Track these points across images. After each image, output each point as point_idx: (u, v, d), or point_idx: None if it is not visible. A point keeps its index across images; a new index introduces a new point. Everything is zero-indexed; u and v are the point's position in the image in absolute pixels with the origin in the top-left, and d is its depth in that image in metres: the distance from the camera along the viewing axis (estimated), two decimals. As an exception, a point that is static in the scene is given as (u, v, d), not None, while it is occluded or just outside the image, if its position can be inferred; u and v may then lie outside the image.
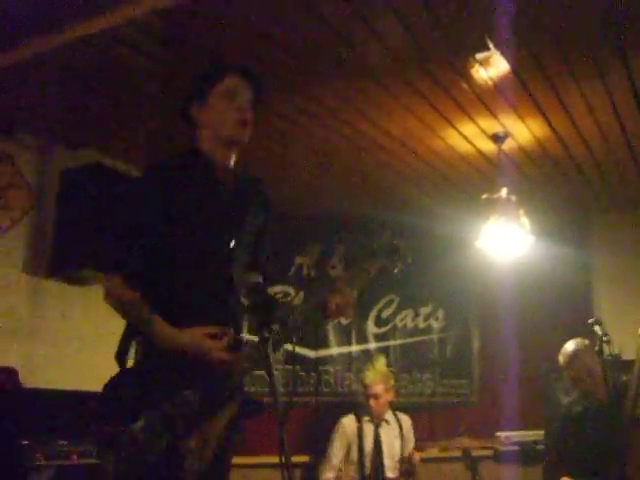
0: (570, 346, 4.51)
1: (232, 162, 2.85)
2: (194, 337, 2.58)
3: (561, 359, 4.54)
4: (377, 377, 6.11)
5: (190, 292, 2.68)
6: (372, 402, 6.02)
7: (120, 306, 2.66)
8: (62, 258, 5.07)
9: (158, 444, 2.43)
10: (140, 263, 2.65)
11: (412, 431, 6.27)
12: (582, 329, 4.47)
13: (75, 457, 4.31)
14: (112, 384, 2.63)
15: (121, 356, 2.71)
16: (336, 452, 6.04)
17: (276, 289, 6.68)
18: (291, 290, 6.80)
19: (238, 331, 2.79)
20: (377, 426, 6.09)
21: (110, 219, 2.76)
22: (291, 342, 2.66)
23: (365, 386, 6.11)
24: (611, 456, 3.63)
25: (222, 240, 2.77)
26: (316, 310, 2.78)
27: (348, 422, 6.13)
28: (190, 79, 2.89)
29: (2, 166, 4.93)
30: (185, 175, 2.74)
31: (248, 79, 2.80)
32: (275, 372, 2.39)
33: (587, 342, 4.23)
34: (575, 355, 4.45)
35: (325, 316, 2.78)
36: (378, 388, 6.05)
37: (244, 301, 2.74)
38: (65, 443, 4.34)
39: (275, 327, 2.57)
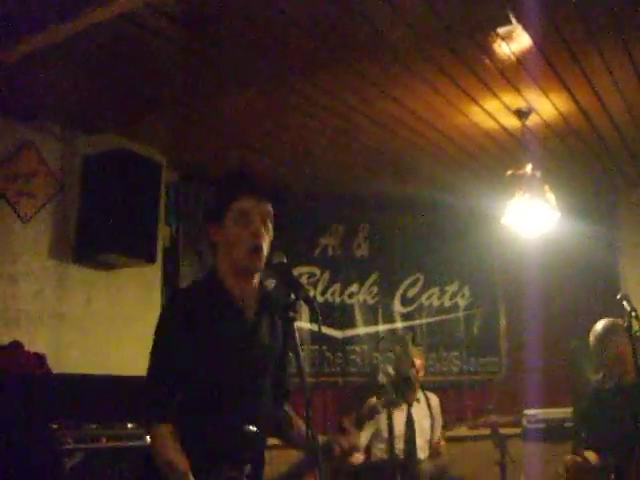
0: (600, 326, 4.47)
1: (252, 285, 2.74)
2: None
3: (591, 338, 4.50)
4: (416, 351, 6.15)
5: (221, 431, 2.60)
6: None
7: (166, 467, 2.48)
8: (87, 244, 5.10)
9: None
10: (179, 408, 2.56)
11: (440, 410, 6.27)
12: (610, 305, 4.44)
13: (104, 440, 4.34)
14: None
15: None
16: (364, 433, 6.03)
17: (302, 270, 6.69)
18: (317, 270, 6.80)
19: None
20: (410, 405, 6.09)
21: (152, 358, 2.66)
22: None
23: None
24: (636, 434, 3.61)
25: (248, 376, 2.70)
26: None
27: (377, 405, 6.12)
28: (208, 198, 2.87)
29: (26, 153, 4.93)
30: (208, 308, 2.65)
31: (262, 199, 2.71)
32: (302, 352, 2.37)
33: (619, 321, 4.19)
34: (605, 335, 4.42)
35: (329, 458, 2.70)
36: (418, 362, 6.06)
37: None
38: (94, 427, 4.36)
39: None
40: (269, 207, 2.70)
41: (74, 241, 5.12)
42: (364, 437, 6.03)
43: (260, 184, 2.74)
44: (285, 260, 2.55)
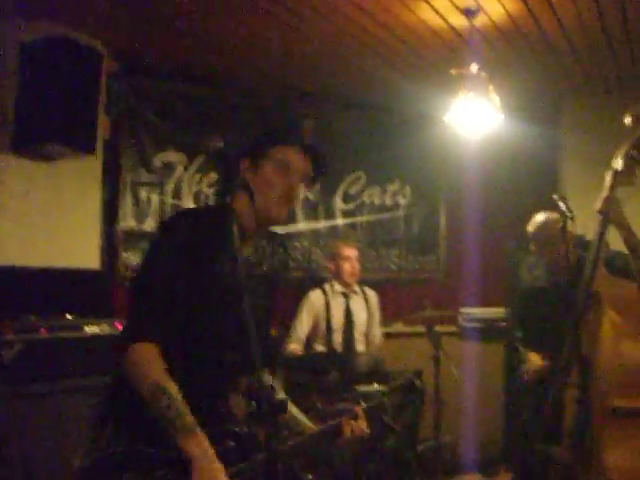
0: (540, 216, 4.53)
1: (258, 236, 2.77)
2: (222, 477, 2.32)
3: (529, 228, 4.57)
4: (350, 242, 6.23)
5: (211, 367, 2.58)
6: (346, 267, 6.10)
7: (153, 390, 2.34)
8: (25, 133, 4.96)
9: None
10: (173, 332, 2.46)
11: (378, 307, 6.38)
12: (548, 207, 4.51)
13: (44, 331, 4.33)
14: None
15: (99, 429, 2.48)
16: (303, 324, 6.14)
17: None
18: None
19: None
20: (347, 297, 6.19)
21: (145, 270, 2.56)
22: None
23: (337, 251, 6.20)
24: (570, 331, 3.71)
25: (241, 317, 2.55)
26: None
27: (315, 296, 6.22)
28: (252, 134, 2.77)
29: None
30: (218, 238, 2.51)
31: (308, 157, 2.67)
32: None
33: (556, 216, 4.24)
34: (543, 225, 4.49)
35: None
36: (351, 251, 6.14)
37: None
38: (33, 318, 4.35)
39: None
40: (310, 169, 2.69)
41: (12, 131, 4.98)
42: (304, 330, 6.13)
43: (312, 142, 2.71)
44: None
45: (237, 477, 2.41)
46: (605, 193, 3.74)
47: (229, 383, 2.69)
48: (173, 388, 2.35)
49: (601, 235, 3.73)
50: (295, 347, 6.04)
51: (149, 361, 2.38)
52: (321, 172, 2.75)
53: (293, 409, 2.85)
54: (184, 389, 2.41)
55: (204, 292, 2.52)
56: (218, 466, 2.32)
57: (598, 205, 3.75)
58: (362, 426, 2.83)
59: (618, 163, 3.70)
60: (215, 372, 2.61)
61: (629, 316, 3.77)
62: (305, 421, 2.88)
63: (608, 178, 3.75)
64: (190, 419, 2.33)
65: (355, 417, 2.81)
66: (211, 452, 2.33)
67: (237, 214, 2.57)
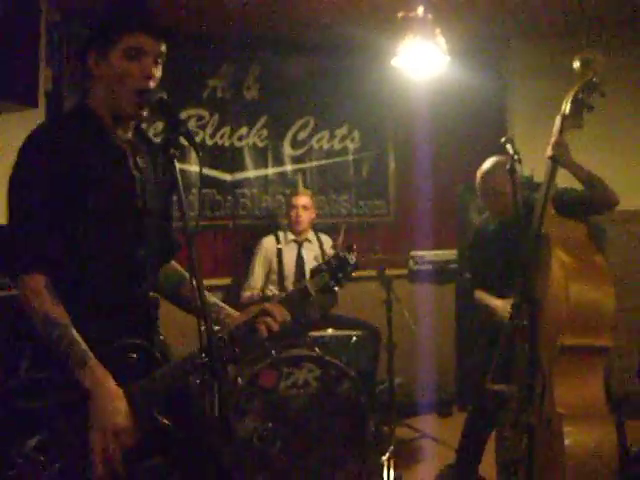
0: (486, 163, 4.55)
1: (130, 131, 2.60)
2: (116, 402, 2.31)
3: (477, 177, 4.59)
4: (302, 190, 6.23)
5: (104, 277, 2.47)
6: (299, 214, 6.11)
7: (44, 322, 2.30)
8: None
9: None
10: (60, 254, 2.37)
11: (332, 251, 6.39)
12: (496, 150, 4.53)
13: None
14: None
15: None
16: (256, 271, 6.15)
17: (190, 112, 6.56)
18: (205, 113, 6.67)
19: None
20: (300, 245, 6.20)
21: (13, 203, 2.41)
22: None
23: (289, 199, 6.22)
24: (519, 272, 3.76)
25: (129, 219, 2.55)
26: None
27: (268, 242, 6.23)
28: (90, 23, 2.62)
29: None
30: (80, 139, 2.45)
31: (159, 38, 2.49)
32: (184, 194, 2.26)
33: (503, 159, 4.26)
34: (488, 172, 4.50)
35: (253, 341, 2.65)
36: (305, 199, 6.14)
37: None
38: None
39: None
40: (163, 47, 2.52)
41: None
42: (259, 276, 6.14)
43: (158, 21, 2.53)
44: (165, 96, 2.41)
45: (142, 392, 2.41)
46: (554, 137, 3.78)
47: (141, 284, 2.61)
48: (64, 318, 2.30)
49: (550, 178, 3.79)
50: (250, 294, 6.04)
51: (37, 293, 2.31)
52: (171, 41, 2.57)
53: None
54: (87, 303, 2.41)
55: (81, 198, 2.40)
56: (111, 391, 2.31)
57: (549, 151, 3.79)
58: (278, 316, 2.65)
59: (567, 107, 3.74)
60: (121, 272, 2.53)
61: (577, 256, 3.84)
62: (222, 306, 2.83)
63: (557, 122, 3.79)
64: (81, 349, 2.29)
65: (266, 313, 2.66)
66: (105, 380, 2.31)
67: (93, 111, 2.54)
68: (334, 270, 2.77)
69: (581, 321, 3.68)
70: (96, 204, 2.43)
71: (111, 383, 2.32)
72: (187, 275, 2.82)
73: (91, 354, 2.31)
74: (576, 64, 3.74)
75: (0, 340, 3.98)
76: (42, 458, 2.27)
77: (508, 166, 3.64)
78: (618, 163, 6.17)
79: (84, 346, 2.31)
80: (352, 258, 2.81)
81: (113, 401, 2.30)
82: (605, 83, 3.71)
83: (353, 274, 2.85)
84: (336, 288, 2.78)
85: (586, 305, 3.70)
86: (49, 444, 2.29)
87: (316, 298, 2.73)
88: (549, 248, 3.80)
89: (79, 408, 2.31)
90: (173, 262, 2.91)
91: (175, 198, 2.62)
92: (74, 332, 2.30)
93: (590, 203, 3.98)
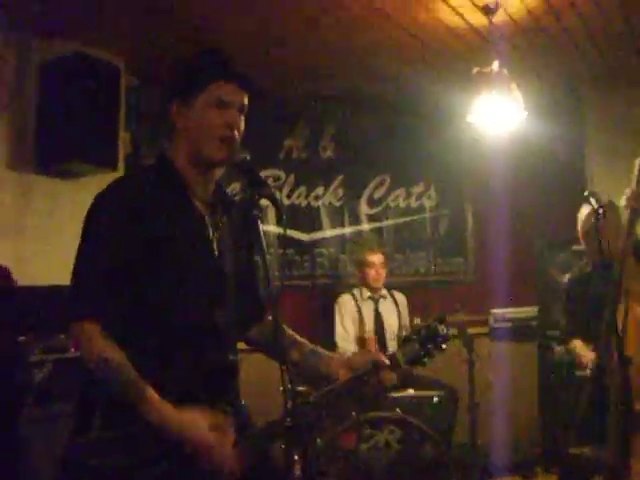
0: (586, 210, 4.43)
1: (212, 181, 2.55)
2: (198, 427, 2.25)
3: (579, 226, 4.48)
4: (374, 248, 6.19)
5: (180, 341, 2.37)
6: (372, 273, 6.08)
7: (99, 364, 2.21)
8: (47, 152, 4.99)
9: None
10: (118, 307, 2.29)
11: (407, 308, 6.34)
12: (576, 204, 4.45)
13: (72, 350, 4.31)
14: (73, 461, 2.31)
15: (83, 423, 2.31)
16: (347, 325, 6.11)
17: (266, 173, 6.62)
18: (281, 174, 6.73)
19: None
20: (376, 302, 6.16)
21: (80, 252, 2.37)
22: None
23: (363, 259, 6.16)
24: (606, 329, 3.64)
25: (210, 283, 2.48)
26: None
27: (345, 300, 6.19)
28: (175, 73, 2.60)
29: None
30: (157, 196, 2.41)
31: (243, 89, 2.48)
32: (268, 256, 2.23)
33: (592, 219, 4.16)
34: (585, 219, 4.40)
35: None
36: (376, 257, 6.10)
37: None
38: (61, 337, 4.34)
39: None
40: (246, 99, 2.50)
41: (34, 150, 5.00)
42: (350, 328, 6.09)
43: (243, 72, 2.51)
44: (248, 157, 2.38)
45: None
46: (632, 187, 3.68)
47: (220, 347, 2.50)
48: (119, 356, 2.21)
49: (629, 230, 3.67)
50: (351, 348, 5.98)
51: (89, 338, 2.22)
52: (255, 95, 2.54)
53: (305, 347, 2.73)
54: (163, 368, 2.32)
55: (152, 257, 2.33)
56: (188, 418, 2.25)
57: (624, 201, 3.70)
58: (387, 376, 2.58)
59: None
60: (198, 336, 2.43)
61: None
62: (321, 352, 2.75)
63: (636, 171, 3.69)
64: (137, 381, 2.21)
65: (378, 367, 2.58)
66: (168, 410, 2.23)
67: (173, 162, 2.49)
68: (424, 340, 2.65)
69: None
70: (169, 264, 2.38)
71: (174, 410, 2.25)
72: (283, 328, 2.67)
73: (149, 387, 2.22)
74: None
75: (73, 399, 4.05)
76: None
77: (593, 220, 3.56)
78: None
79: (140, 380, 2.22)
80: (443, 329, 2.67)
81: (193, 421, 2.26)
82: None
83: (444, 345, 2.69)
84: (425, 359, 2.66)
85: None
86: None
87: (405, 369, 2.64)
88: (628, 303, 3.68)
89: (151, 464, 2.25)
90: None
91: (258, 259, 2.56)
92: (131, 371, 2.22)
93: None
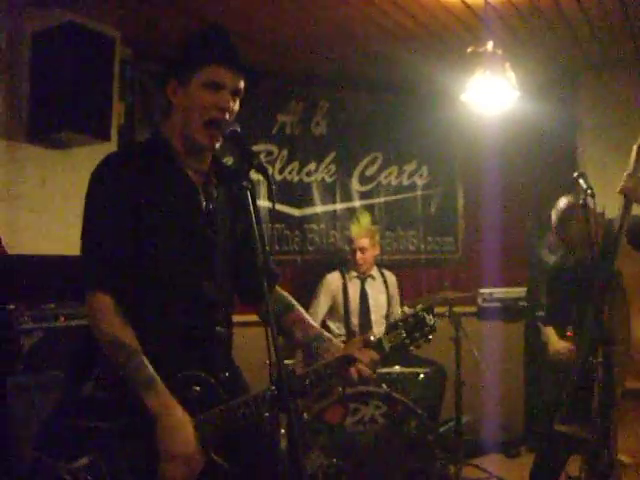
0: (561, 204, 4.47)
1: (205, 163, 2.62)
2: (188, 431, 2.29)
3: (553, 217, 4.52)
4: (362, 231, 6.19)
5: (171, 308, 2.46)
6: (358, 256, 6.10)
7: (111, 344, 2.31)
8: (40, 122, 4.97)
9: None
10: (126, 277, 2.39)
11: (397, 288, 6.38)
12: (567, 185, 4.46)
13: (62, 319, 4.35)
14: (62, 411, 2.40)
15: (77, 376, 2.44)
16: (321, 305, 6.16)
17: (259, 147, 6.62)
18: (274, 149, 6.73)
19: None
20: (363, 281, 6.20)
21: (86, 225, 2.48)
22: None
23: (351, 240, 6.21)
24: (592, 312, 3.67)
25: (200, 253, 2.54)
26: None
27: (333, 278, 6.23)
28: (173, 54, 2.62)
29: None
30: (151, 168, 2.49)
31: (238, 73, 2.51)
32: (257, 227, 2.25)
33: (573, 199, 4.20)
34: (566, 214, 4.43)
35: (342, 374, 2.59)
36: (364, 241, 6.13)
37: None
38: (52, 306, 4.36)
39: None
40: (242, 83, 2.53)
41: (26, 120, 4.98)
42: (322, 311, 6.14)
43: (239, 56, 2.54)
44: (238, 129, 2.41)
45: (206, 424, 2.36)
46: (628, 170, 3.70)
47: (207, 318, 2.56)
48: (131, 340, 2.30)
49: (624, 213, 3.69)
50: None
51: (104, 314, 2.33)
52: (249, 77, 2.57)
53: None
54: (155, 333, 2.39)
55: (154, 230, 2.44)
56: (180, 419, 2.29)
57: (621, 185, 3.71)
58: (368, 362, 2.60)
59: None
60: (188, 304, 2.50)
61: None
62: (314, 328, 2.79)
63: (633, 153, 3.70)
64: (148, 372, 2.29)
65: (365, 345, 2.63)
66: (173, 407, 2.29)
67: (166, 140, 2.56)
68: (411, 329, 2.69)
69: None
70: (163, 235, 2.46)
71: (179, 410, 2.30)
72: (292, 305, 2.81)
73: (158, 380, 2.29)
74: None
75: (69, 359, 4.07)
76: (89, 478, 2.25)
77: (581, 201, 3.58)
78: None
79: (151, 371, 2.30)
80: (431, 319, 2.72)
81: (183, 429, 2.29)
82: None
83: (430, 335, 2.73)
84: (411, 348, 2.70)
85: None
86: (99, 466, 2.27)
87: (389, 354, 2.67)
88: (619, 286, 3.71)
89: (136, 435, 2.30)
90: (279, 290, 2.84)
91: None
92: (142, 357, 2.30)
93: None
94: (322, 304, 6.17)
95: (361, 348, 2.63)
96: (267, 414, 2.34)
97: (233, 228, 2.66)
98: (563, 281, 4.61)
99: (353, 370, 2.58)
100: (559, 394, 4.12)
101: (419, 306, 2.74)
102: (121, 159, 2.58)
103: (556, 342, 4.37)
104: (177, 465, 2.26)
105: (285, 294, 2.85)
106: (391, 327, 2.72)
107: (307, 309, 6.08)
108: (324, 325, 6.10)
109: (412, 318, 2.71)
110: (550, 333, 4.55)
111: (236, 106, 2.53)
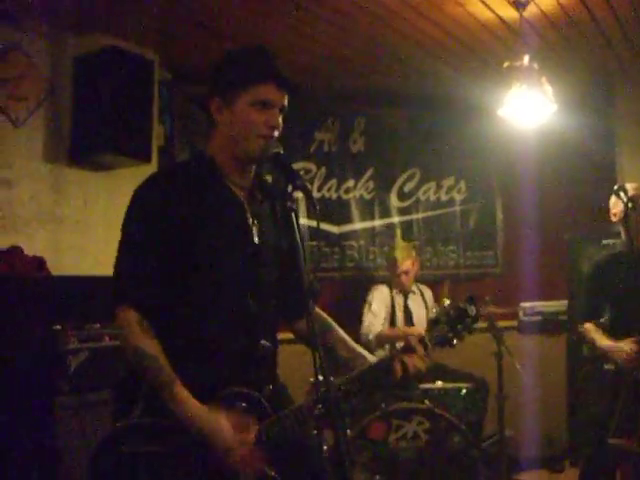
0: (630, 187, 4.27)
1: (249, 176, 2.60)
2: (219, 427, 2.31)
3: (617, 204, 4.35)
4: (404, 253, 6.20)
5: (215, 326, 2.45)
6: (403, 278, 6.12)
7: (134, 355, 2.32)
8: (81, 145, 5.08)
9: None
10: (156, 294, 2.39)
11: (434, 302, 6.38)
12: (606, 198, 4.44)
13: (107, 339, 4.42)
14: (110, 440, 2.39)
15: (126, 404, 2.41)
16: (378, 314, 6.16)
17: (298, 166, 6.64)
18: (312, 167, 6.76)
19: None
20: (406, 297, 6.21)
21: (121, 244, 2.49)
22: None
23: (394, 265, 6.19)
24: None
25: (246, 268, 2.53)
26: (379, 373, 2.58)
27: (382, 290, 6.26)
28: (215, 71, 2.63)
29: (13, 56, 4.84)
30: (195, 186, 2.49)
31: (284, 91, 2.53)
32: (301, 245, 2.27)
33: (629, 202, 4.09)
34: (634, 197, 4.25)
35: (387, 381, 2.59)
36: (407, 264, 6.15)
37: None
38: (97, 326, 4.43)
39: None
40: (286, 100, 2.55)
41: (69, 143, 5.09)
42: (378, 322, 6.13)
43: (284, 73, 2.56)
44: (281, 151, 2.44)
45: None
46: None
47: (251, 333, 2.54)
48: (154, 349, 2.31)
49: None
50: (379, 329, 6.07)
51: (128, 326, 2.34)
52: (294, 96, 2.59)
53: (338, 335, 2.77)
54: (199, 349, 2.41)
55: (189, 244, 2.42)
56: (209, 416, 2.30)
57: None
58: (417, 363, 2.58)
59: None
60: (232, 321, 2.49)
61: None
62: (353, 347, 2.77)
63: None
64: (167, 374, 2.29)
65: (408, 351, 2.59)
66: (193, 405, 2.29)
67: (213, 158, 2.55)
68: (453, 322, 2.64)
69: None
70: (210, 249, 2.45)
71: (198, 407, 2.31)
72: (331, 324, 2.79)
73: (178, 381, 2.30)
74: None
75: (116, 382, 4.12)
76: None
77: (622, 214, 3.56)
78: None
79: (170, 372, 2.30)
80: (472, 309, 2.65)
81: (215, 421, 2.31)
82: None
83: (473, 325, 2.66)
84: (455, 341, 2.65)
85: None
86: None
87: (432, 350, 2.63)
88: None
89: (187, 454, 2.32)
90: (316, 309, 2.75)
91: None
92: (163, 362, 2.30)
93: None
94: (379, 312, 6.15)
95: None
96: (315, 431, 2.34)
97: (278, 244, 2.65)
98: (606, 274, 4.46)
99: (397, 367, 2.56)
100: (609, 407, 4.06)
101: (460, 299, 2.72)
102: (164, 178, 2.60)
103: (601, 339, 4.28)
104: (236, 451, 2.30)
105: (322, 313, 2.83)
106: (433, 323, 2.69)
107: (363, 321, 6.07)
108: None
109: (453, 311, 2.67)
110: (592, 330, 4.44)
111: (281, 124, 2.54)
